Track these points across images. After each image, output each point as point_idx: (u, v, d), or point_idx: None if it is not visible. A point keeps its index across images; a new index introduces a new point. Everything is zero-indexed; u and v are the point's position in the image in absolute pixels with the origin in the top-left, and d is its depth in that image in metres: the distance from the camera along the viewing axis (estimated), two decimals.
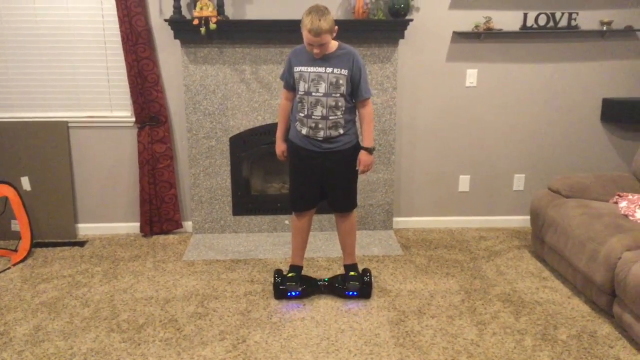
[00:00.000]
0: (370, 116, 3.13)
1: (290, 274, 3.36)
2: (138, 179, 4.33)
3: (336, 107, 3.01)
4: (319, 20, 2.81)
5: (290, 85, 3.13)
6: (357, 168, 3.23)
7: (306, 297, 3.33)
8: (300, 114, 3.07)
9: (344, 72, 2.96)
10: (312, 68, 2.98)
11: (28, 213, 4.05)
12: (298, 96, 3.06)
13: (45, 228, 4.32)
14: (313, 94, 2.99)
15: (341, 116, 3.04)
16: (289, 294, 3.31)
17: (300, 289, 3.32)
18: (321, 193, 3.27)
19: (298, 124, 3.12)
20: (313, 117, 3.02)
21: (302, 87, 3.01)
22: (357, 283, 3.33)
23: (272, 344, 2.89)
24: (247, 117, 4.21)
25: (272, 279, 3.61)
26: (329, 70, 2.96)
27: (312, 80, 2.98)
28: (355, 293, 3.32)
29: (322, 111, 3.00)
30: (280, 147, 3.30)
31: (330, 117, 3.02)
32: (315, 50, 2.91)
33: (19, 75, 4.20)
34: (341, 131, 3.07)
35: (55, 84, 4.23)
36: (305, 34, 2.87)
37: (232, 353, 2.81)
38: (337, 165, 3.17)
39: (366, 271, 3.39)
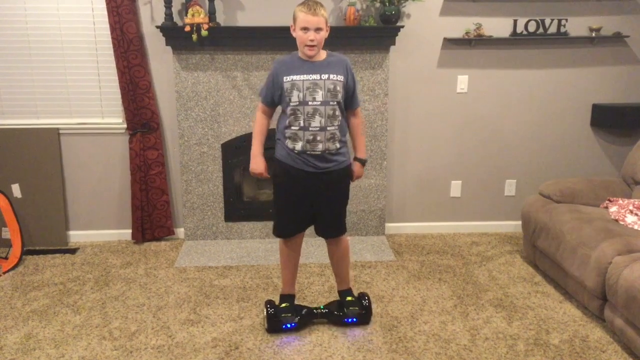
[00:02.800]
0: (363, 125, 3.01)
1: (283, 305, 3.09)
2: (130, 186, 4.31)
3: (334, 116, 2.80)
4: (316, 3, 2.72)
5: (270, 99, 2.90)
6: (351, 180, 3.06)
7: (303, 329, 3.07)
8: (294, 127, 2.81)
9: (340, 78, 2.80)
10: (305, 76, 2.77)
11: (19, 220, 4.02)
12: (290, 108, 2.80)
13: (36, 235, 4.29)
14: (310, 103, 2.76)
15: (337, 127, 2.83)
16: (284, 326, 3.03)
17: (296, 320, 3.04)
18: (310, 218, 3.04)
19: (289, 141, 2.85)
20: (311, 128, 2.78)
21: (295, 97, 2.77)
22: (357, 308, 3.10)
23: (264, 350, 2.88)
24: (239, 123, 4.22)
25: (265, 285, 3.60)
26: (325, 76, 2.77)
27: (307, 88, 2.76)
28: (355, 319, 3.09)
29: (320, 121, 2.78)
30: (260, 164, 2.95)
31: (329, 128, 2.80)
32: (311, 37, 2.71)
33: (9, 82, 4.19)
34: (337, 145, 2.86)
35: (46, 91, 4.21)
36: (301, 18, 2.71)
37: None
38: (330, 186, 2.93)
39: (363, 295, 3.18)
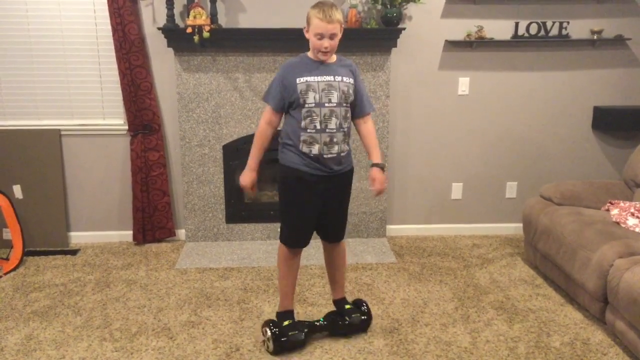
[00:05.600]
0: (374, 130, 2.95)
1: (286, 323, 2.92)
2: (131, 187, 4.31)
3: (346, 117, 2.78)
4: (331, 8, 2.63)
5: (282, 104, 2.78)
6: (371, 187, 2.94)
7: (309, 344, 2.95)
8: (309, 130, 2.73)
9: (351, 80, 2.78)
10: (320, 77, 2.73)
11: (20, 221, 4.02)
12: (306, 110, 2.72)
13: (37, 236, 4.29)
14: (326, 104, 2.72)
15: (348, 128, 2.82)
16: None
17: (303, 336, 2.90)
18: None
19: (303, 145, 2.75)
20: (328, 130, 2.73)
21: (311, 98, 2.70)
22: (359, 315, 3.05)
23: (265, 352, 2.88)
24: (240, 125, 4.22)
25: (266, 287, 3.60)
26: (339, 78, 2.75)
27: (323, 90, 2.71)
28: (359, 328, 3.05)
29: (336, 122, 2.74)
30: (249, 178, 2.93)
31: (343, 128, 2.77)
32: (325, 44, 2.66)
33: (11, 83, 4.19)
34: (348, 147, 2.85)
35: (47, 92, 4.22)
36: (315, 24, 2.64)
37: None
38: (341, 188, 2.93)
39: (360, 301, 3.13)
